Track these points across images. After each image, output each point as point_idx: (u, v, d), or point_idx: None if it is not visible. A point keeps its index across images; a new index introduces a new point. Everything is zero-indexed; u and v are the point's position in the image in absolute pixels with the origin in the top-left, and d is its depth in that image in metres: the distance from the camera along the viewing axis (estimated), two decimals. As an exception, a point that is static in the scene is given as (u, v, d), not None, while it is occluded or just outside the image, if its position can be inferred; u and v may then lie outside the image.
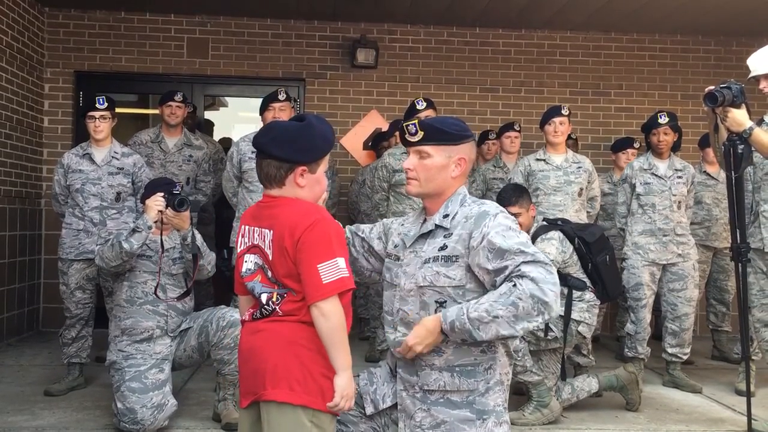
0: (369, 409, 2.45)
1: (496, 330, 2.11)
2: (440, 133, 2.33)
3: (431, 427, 2.28)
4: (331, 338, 2.06)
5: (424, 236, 2.38)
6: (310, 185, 2.19)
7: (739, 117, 3.61)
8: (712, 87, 3.65)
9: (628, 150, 6.09)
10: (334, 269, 2.05)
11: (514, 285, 2.10)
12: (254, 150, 4.47)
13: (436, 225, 2.35)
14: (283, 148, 2.14)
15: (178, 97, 5.42)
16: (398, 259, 2.42)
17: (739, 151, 3.61)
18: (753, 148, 3.77)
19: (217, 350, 3.71)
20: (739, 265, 3.76)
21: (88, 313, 4.56)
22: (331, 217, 2.16)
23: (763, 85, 3.85)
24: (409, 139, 2.37)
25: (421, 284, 2.30)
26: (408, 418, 2.34)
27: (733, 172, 3.66)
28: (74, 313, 4.51)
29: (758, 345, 4.23)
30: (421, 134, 2.33)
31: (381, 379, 2.50)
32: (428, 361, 2.30)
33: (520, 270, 2.11)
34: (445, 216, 2.34)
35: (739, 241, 3.72)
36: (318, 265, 2.04)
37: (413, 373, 2.34)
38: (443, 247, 2.28)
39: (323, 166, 2.23)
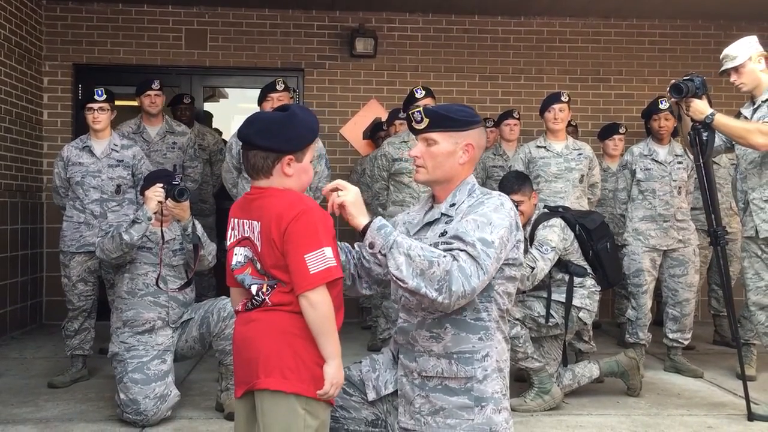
0: (371, 396, 2.45)
1: (398, 265, 2.09)
2: (446, 120, 2.32)
3: (430, 414, 2.28)
4: (319, 327, 2.07)
5: (429, 224, 2.38)
6: (298, 174, 2.19)
7: (701, 106, 3.83)
8: (674, 80, 3.90)
9: (615, 137, 6.10)
10: (321, 259, 2.04)
11: (446, 255, 2.11)
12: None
13: (441, 214, 2.34)
14: (268, 138, 2.14)
15: (156, 85, 5.38)
16: None
17: (704, 138, 3.83)
18: (725, 141, 3.99)
19: (219, 341, 3.73)
20: (718, 249, 3.92)
21: (90, 306, 4.58)
22: (318, 206, 2.14)
23: (733, 78, 4.00)
24: (415, 126, 2.36)
25: None
26: (408, 404, 2.34)
27: (700, 159, 3.86)
28: (77, 306, 4.53)
29: (755, 328, 4.25)
30: (426, 121, 2.32)
31: (383, 365, 2.50)
32: (426, 348, 2.30)
33: (459, 253, 2.11)
34: (452, 205, 2.33)
35: (714, 226, 3.88)
36: (305, 256, 2.03)
37: (412, 359, 2.34)
38: (443, 233, 2.27)
39: (309, 155, 2.22)
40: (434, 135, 2.32)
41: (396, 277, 2.12)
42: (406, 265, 2.09)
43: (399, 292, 2.36)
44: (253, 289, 2.15)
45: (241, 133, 2.19)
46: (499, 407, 2.28)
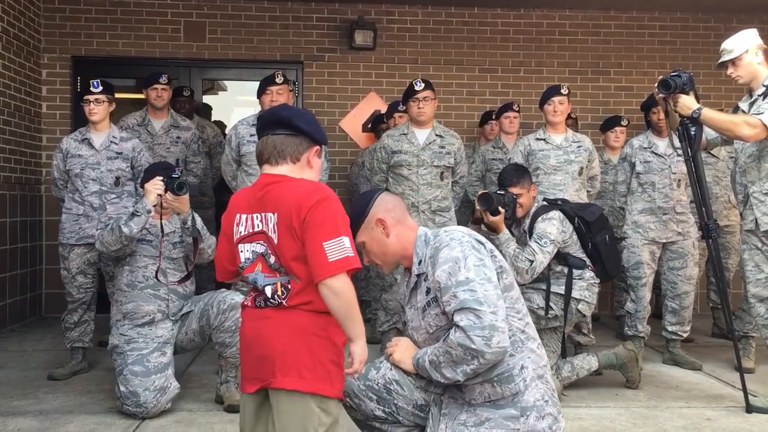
0: (419, 381, 2.57)
1: (443, 373, 2.34)
2: (352, 225, 2.40)
3: (475, 425, 2.37)
4: (345, 313, 2.07)
5: (414, 290, 2.50)
6: (317, 170, 2.23)
7: (688, 101, 3.91)
8: (662, 76, 3.98)
9: (617, 128, 6.10)
10: (339, 247, 2.03)
11: (450, 334, 2.28)
12: (253, 134, 4.52)
13: (417, 276, 2.47)
14: (307, 124, 2.19)
15: (163, 79, 5.40)
16: (405, 323, 2.59)
17: (692, 132, 3.92)
18: (720, 137, 4.07)
19: (219, 333, 3.73)
20: (710, 242, 3.99)
21: (89, 298, 4.58)
22: (336, 195, 2.14)
23: (730, 70, 4.02)
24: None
25: (431, 331, 2.43)
26: (451, 420, 2.43)
27: (689, 153, 3.93)
28: (76, 298, 4.53)
29: (754, 321, 4.26)
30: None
31: None
32: (469, 382, 2.40)
33: (454, 318, 2.26)
34: (420, 262, 2.46)
35: (706, 219, 3.93)
36: (323, 243, 2.02)
37: (459, 390, 2.46)
38: (428, 291, 2.40)
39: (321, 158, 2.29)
40: (359, 241, 2.47)
41: (450, 382, 2.38)
42: (444, 369, 2.33)
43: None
44: (268, 291, 2.13)
45: (278, 115, 2.20)
46: (542, 414, 2.37)
